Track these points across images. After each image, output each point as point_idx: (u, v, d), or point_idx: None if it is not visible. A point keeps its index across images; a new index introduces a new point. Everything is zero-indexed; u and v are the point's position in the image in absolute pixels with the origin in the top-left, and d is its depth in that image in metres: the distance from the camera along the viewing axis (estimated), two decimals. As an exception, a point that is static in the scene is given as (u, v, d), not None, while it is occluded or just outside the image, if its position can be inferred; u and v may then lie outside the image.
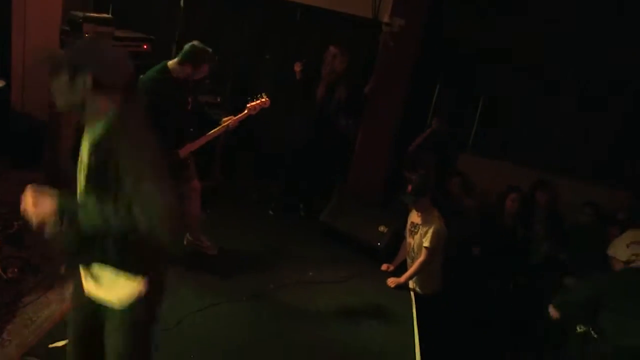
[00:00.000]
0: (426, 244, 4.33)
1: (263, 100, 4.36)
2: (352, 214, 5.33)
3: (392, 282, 4.61)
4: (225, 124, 4.26)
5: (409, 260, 4.66)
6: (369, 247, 5.10)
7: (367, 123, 5.77)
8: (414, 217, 4.56)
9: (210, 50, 4.00)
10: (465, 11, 5.85)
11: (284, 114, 5.52)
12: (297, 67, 5.42)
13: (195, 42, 3.97)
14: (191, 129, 4.23)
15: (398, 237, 5.03)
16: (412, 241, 4.55)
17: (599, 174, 5.89)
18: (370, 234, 5.13)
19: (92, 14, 5.16)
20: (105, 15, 5.37)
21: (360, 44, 5.90)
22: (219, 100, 5.79)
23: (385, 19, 5.61)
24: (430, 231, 4.31)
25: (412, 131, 6.11)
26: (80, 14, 5.01)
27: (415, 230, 4.49)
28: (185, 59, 3.93)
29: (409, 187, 4.40)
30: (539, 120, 6.04)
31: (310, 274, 4.63)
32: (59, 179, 4.88)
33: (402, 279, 4.55)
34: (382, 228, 5.13)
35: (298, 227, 5.54)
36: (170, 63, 3.97)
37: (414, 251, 4.53)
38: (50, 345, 3.16)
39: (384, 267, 4.93)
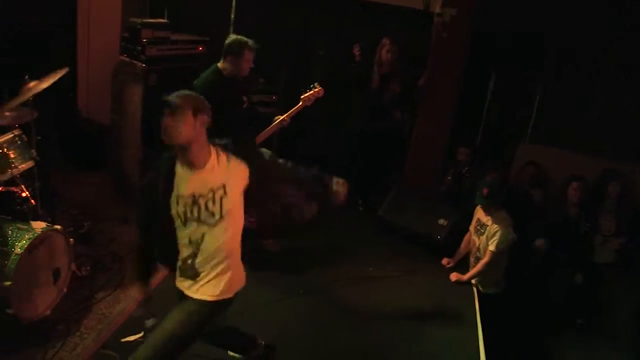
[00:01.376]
0: (492, 247, 4.26)
1: (317, 90, 4.30)
2: (410, 208, 5.28)
3: (454, 277, 4.56)
4: (278, 120, 4.29)
5: (472, 259, 4.59)
6: (428, 240, 5.05)
7: (422, 115, 5.69)
8: (482, 215, 4.48)
9: (247, 39, 4.02)
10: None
11: (337, 108, 5.52)
12: (356, 50, 5.44)
13: (231, 35, 4.05)
14: (248, 127, 4.29)
15: (458, 229, 4.96)
16: (477, 240, 4.47)
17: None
18: (430, 228, 5.07)
19: (149, 20, 5.29)
20: (161, 20, 5.50)
21: (413, 35, 5.83)
22: (274, 98, 5.83)
23: (437, 9, 5.53)
24: (498, 235, 4.24)
25: (467, 123, 5.98)
26: (138, 20, 5.15)
27: (482, 230, 4.40)
28: (226, 53, 4.01)
29: (485, 190, 4.32)
30: (603, 107, 5.78)
31: (371, 269, 4.63)
32: (123, 182, 5.08)
33: (465, 277, 4.50)
34: (441, 221, 5.06)
35: (357, 222, 5.53)
36: (220, 64, 4.06)
37: (479, 251, 4.45)
38: (123, 340, 3.29)
39: (444, 261, 4.86)
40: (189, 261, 2.53)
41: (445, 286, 4.50)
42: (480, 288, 4.46)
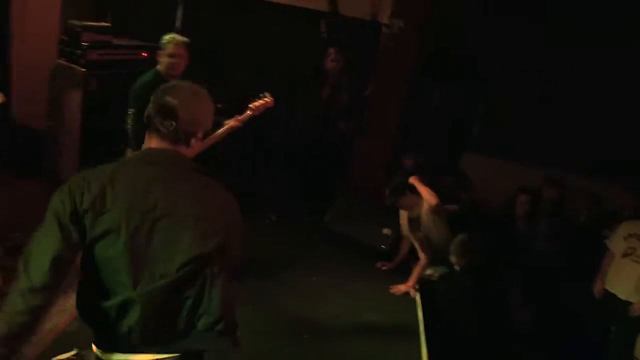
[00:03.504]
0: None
1: (267, 100, 4.17)
2: (355, 217, 5.31)
3: (396, 289, 4.54)
4: (228, 125, 4.15)
5: (424, 254, 4.56)
6: (373, 250, 5.08)
7: (367, 125, 5.74)
8: (403, 215, 4.63)
9: (176, 35, 4.03)
10: (465, 9, 5.80)
11: (286, 116, 5.50)
12: (323, 27, 5.48)
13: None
14: None
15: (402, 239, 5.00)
16: (422, 235, 4.50)
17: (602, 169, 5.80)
18: (374, 237, 5.12)
19: (90, 23, 5.13)
20: (103, 23, 5.35)
21: (361, 46, 5.87)
22: (219, 106, 5.74)
23: (385, 20, 5.60)
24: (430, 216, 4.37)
25: (413, 132, 6.07)
26: (78, 23, 4.99)
27: (419, 223, 4.46)
28: (158, 51, 4.00)
29: (386, 191, 4.45)
30: (542, 118, 5.98)
31: (314, 279, 4.59)
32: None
33: (410, 282, 4.51)
34: (385, 230, 5.11)
35: (302, 232, 5.50)
36: (158, 65, 4.00)
37: (431, 241, 4.48)
38: (54, 359, 3.13)
39: (379, 264, 4.92)
40: None
41: (388, 294, 4.52)
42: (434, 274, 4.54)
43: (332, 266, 4.85)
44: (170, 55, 3.95)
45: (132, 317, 1.76)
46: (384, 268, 4.90)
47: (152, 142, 1.94)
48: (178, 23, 6.30)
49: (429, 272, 4.60)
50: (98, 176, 1.79)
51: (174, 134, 1.91)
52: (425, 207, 4.42)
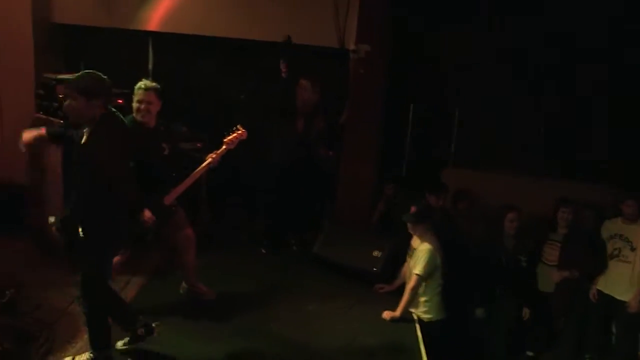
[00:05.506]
0: (417, 270, 4.32)
1: (240, 132, 4.27)
2: (343, 243, 5.32)
3: (387, 315, 4.46)
4: (207, 162, 4.22)
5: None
6: (365, 273, 5.08)
7: (347, 151, 5.82)
8: (414, 240, 4.57)
9: (147, 81, 4.11)
10: (431, 26, 5.96)
11: (263, 149, 5.55)
12: (283, 67, 5.43)
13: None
14: (173, 174, 4.23)
15: (393, 259, 5.04)
16: (410, 264, 4.53)
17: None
18: (365, 261, 5.12)
19: (64, 76, 5.17)
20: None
21: (331, 74, 5.98)
22: (199, 145, 5.78)
23: (351, 46, 5.72)
24: (425, 257, 4.30)
25: (392, 153, 6.16)
26: (52, 76, 5.04)
27: (412, 254, 4.50)
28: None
29: (412, 208, 4.44)
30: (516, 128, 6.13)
31: (310, 307, 4.59)
32: (44, 243, 4.85)
33: (398, 311, 4.43)
34: (376, 253, 5.12)
35: (292, 262, 5.51)
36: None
37: (408, 275, 4.51)
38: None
39: (377, 287, 4.92)
40: None
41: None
42: (422, 316, 4.45)
43: (327, 293, 4.85)
44: (139, 102, 4.05)
45: None
46: (381, 291, 4.90)
47: None
48: (150, 67, 6.37)
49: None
50: None
51: None
52: (426, 250, 4.35)
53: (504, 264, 4.95)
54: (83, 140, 3.22)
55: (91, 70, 3.33)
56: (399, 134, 6.35)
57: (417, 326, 4.39)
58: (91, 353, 3.39)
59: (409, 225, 4.51)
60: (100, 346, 3.39)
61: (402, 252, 4.82)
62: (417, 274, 4.32)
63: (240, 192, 6.40)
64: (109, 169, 3.17)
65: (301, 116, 5.53)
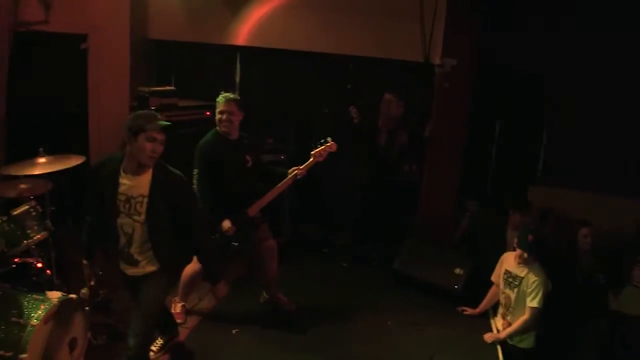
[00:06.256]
0: (535, 304, 4.05)
1: (329, 144, 4.23)
2: (424, 259, 5.24)
3: (489, 337, 4.29)
4: (292, 174, 4.22)
5: (502, 310, 4.38)
6: (446, 291, 4.97)
7: (430, 166, 5.73)
8: (511, 266, 4.26)
9: (227, 93, 4.20)
10: (519, 39, 5.77)
11: (347, 165, 5.56)
12: (353, 112, 5.47)
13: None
14: (256, 186, 4.28)
15: (475, 278, 4.90)
16: (511, 294, 4.24)
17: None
18: (446, 278, 5.01)
19: (156, 88, 5.44)
20: (168, 87, 5.65)
21: (415, 88, 5.93)
22: (282, 157, 5.88)
23: (437, 61, 5.65)
24: (540, 290, 4.04)
25: (476, 169, 6.01)
26: (146, 89, 5.30)
27: (516, 283, 4.18)
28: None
29: (530, 237, 4.12)
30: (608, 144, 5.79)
31: (389, 323, 4.54)
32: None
33: (503, 334, 4.22)
34: (457, 270, 4.99)
35: (372, 277, 5.48)
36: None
37: (512, 305, 4.23)
38: None
39: (461, 309, 4.77)
40: (125, 249, 3.16)
41: (466, 338, 4.36)
42: (510, 340, 4.22)
43: (406, 310, 4.79)
44: (221, 112, 4.11)
45: None
46: (465, 313, 4.75)
47: None
48: (237, 80, 6.56)
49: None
50: None
51: None
52: (543, 289, 4.09)
53: (579, 282, 4.70)
54: None
55: None
56: (483, 149, 6.17)
57: (499, 349, 4.19)
58: (161, 338, 3.83)
59: (519, 252, 4.18)
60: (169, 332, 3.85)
61: (485, 273, 4.64)
62: (536, 307, 4.06)
63: (322, 205, 6.42)
64: None
65: (384, 130, 5.50)
